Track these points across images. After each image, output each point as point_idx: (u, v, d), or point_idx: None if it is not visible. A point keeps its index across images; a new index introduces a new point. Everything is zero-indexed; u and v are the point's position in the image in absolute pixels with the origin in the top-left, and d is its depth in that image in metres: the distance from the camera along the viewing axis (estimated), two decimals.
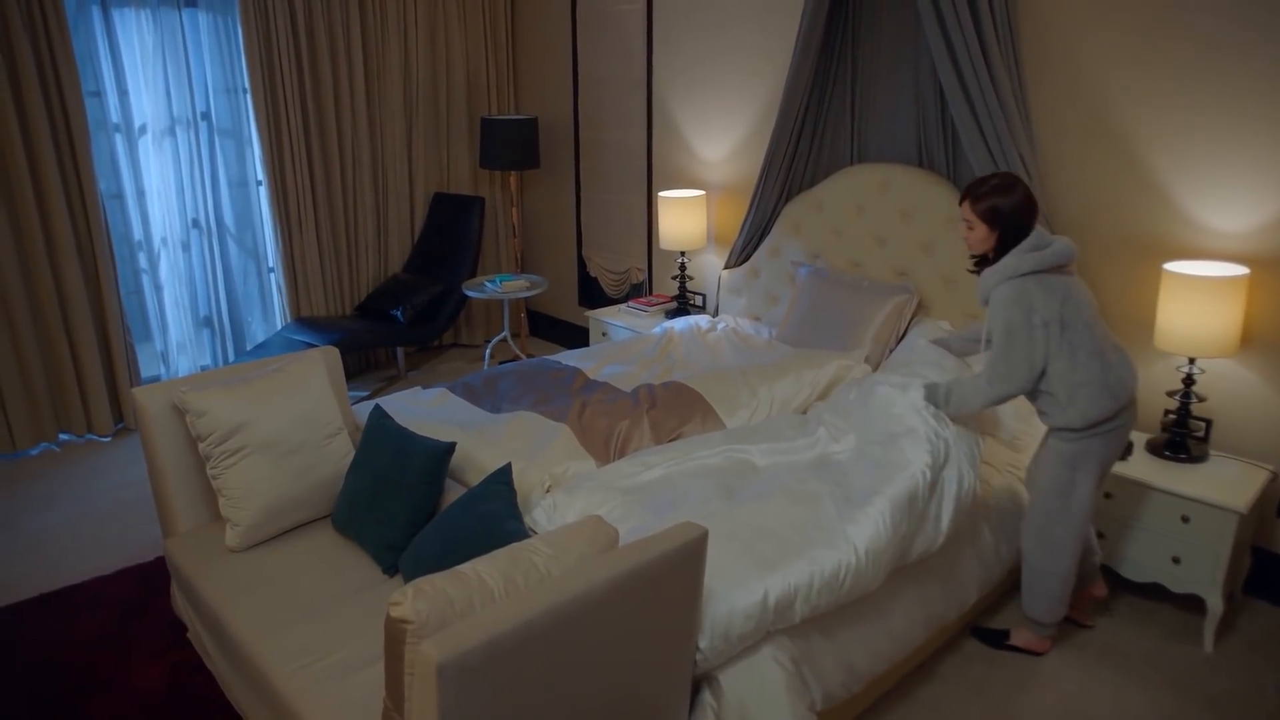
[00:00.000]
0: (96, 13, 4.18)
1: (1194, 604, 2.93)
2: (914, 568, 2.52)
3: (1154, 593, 3.03)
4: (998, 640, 2.78)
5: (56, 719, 2.49)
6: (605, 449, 2.87)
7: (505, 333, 5.24)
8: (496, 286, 4.90)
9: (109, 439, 4.40)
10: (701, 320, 4.12)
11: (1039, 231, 2.44)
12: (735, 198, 4.47)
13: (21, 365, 4.15)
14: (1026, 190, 2.43)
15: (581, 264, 5.53)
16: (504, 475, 2.30)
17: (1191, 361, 2.87)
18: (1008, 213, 2.42)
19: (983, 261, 2.56)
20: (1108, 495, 2.88)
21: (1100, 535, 2.91)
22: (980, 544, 2.76)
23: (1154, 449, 2.94)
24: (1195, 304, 2.71)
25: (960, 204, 2.51)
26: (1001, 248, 2.46)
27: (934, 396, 2.60)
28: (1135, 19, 2.93)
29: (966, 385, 2.53)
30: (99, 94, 4.27)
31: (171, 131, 4.49)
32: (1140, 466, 2.86)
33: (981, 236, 2.47)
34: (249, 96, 4.61)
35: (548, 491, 2.63)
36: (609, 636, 1.72)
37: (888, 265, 3.70)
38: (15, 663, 2.73)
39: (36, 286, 4.12)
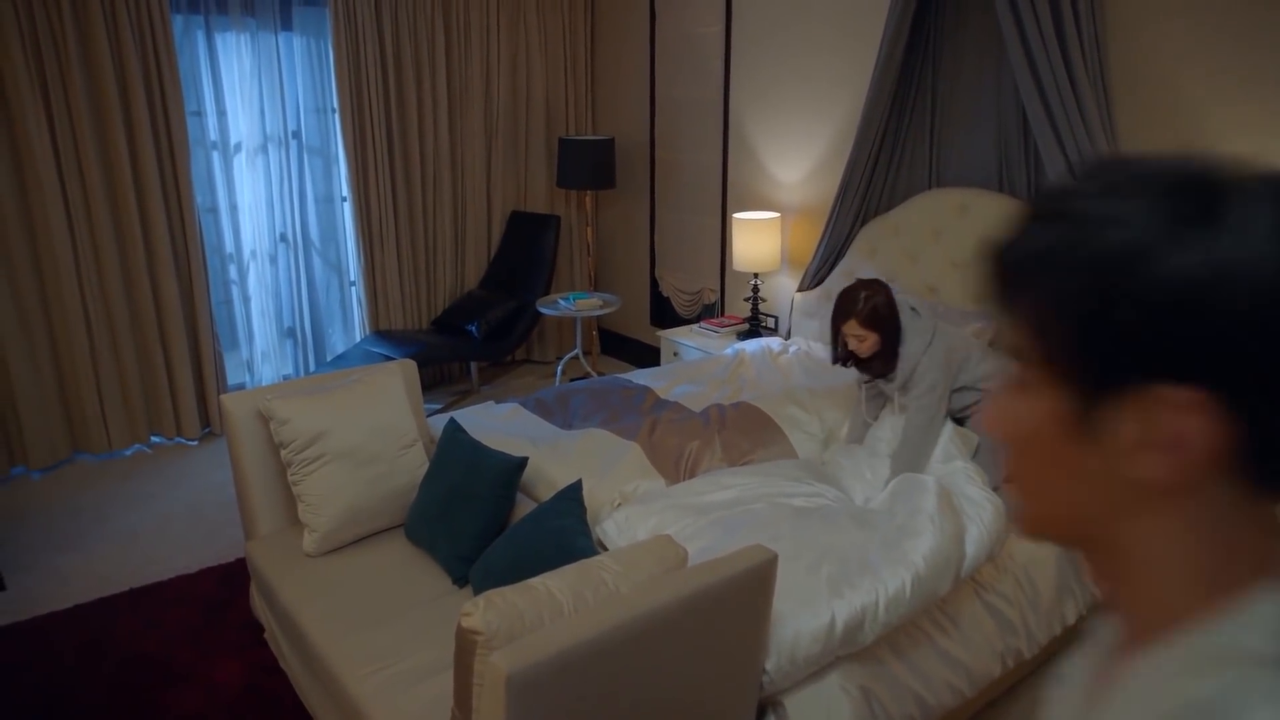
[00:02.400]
0: (200, 36, 4.40)
1: None
2: (995, 598, 2.46)
3: None
4: None
5: (141, 708, 2.60)
6: (675, 468, 2.87)
7: (577, 350, 5.29)
8: (570, 304, 4.95)
9: (196, 442, 4.58)
10: (773, 343, 4.10)
11: (901, 306, 2.73)
12: (810, 220, 4.44)
13: (120, 369, 4.36)
14: (879, 282, 2.73)
15: (654, 283, 5.56)
16: (574, 492, 2.32)
17: None
18: (885, 308, 2.68)
19: (866, 364, 2.79)
20: None
21: None
22: (1069, 571, 2.68)
23: None
24: None
25: (843, 325, 2.71)
26: (890, 338, 2.70)
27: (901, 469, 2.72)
28: (1232, 38, 2.83)
29: (911, 447, 2.69)
30: (199, 113, 4.48)
31: (264, 149, 4.68)
32: None
33: (873, 341, 2.69)
34: (337, 116, 4.78)
35: (617, 508, 2.64)
36: (676, 656, 1.72)
37: (965, 290, 3.63)
38: (105, 653, 2.85)
39: (136, 295, 4.33)
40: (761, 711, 2.04)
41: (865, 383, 2.94)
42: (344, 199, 5.00)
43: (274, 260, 4.85)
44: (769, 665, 1.97)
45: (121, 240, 4.26)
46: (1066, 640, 2.83)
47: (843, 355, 2.81)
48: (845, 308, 2.69)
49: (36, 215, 4.04)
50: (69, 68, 3.95)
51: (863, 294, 2.67)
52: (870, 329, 2.67)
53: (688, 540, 2.37)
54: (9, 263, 4.02)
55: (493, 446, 2.88)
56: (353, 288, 5.17)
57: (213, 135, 4.53)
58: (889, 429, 2.85)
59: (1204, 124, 2.94)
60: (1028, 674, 2.71)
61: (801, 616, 2.03)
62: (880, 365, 2.76)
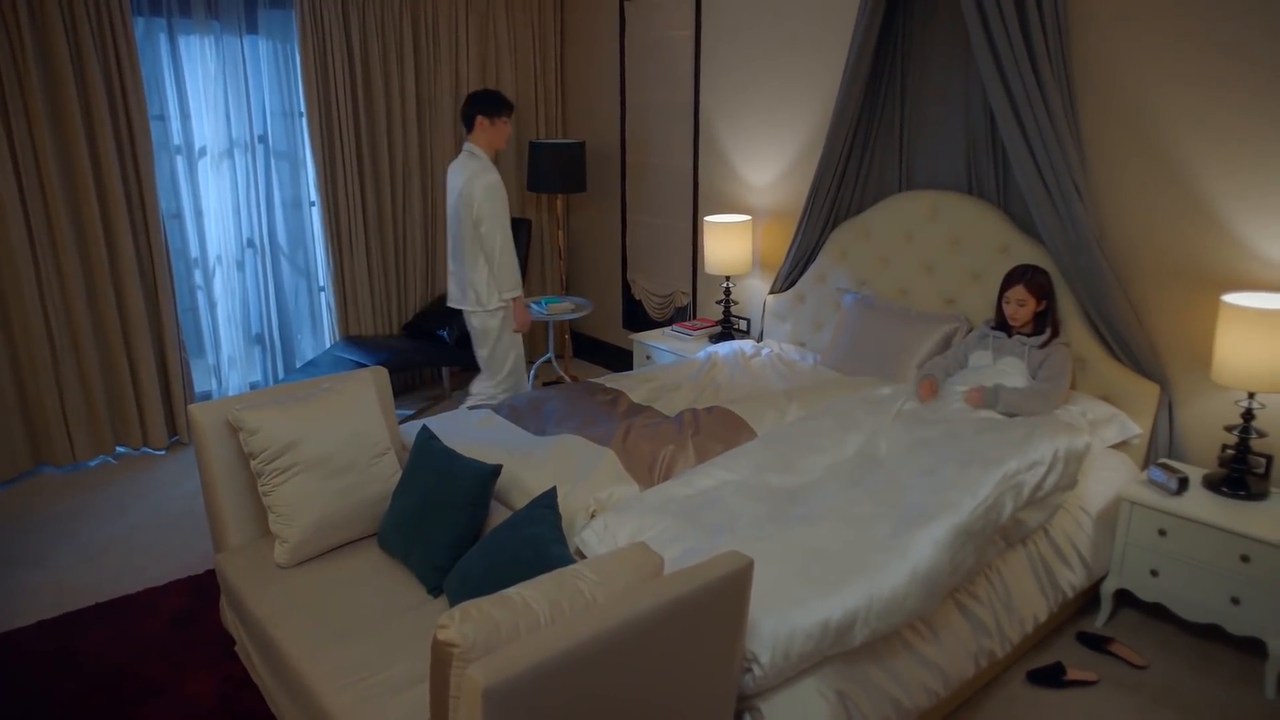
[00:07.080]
0: (163, 39, 4.33)
1: (1254, 647, 2.84)
2: (967, 600, 2.49)
3: (1212, 634, 2.94)
4: (1055, 678, 2.71)
5: None
6: (649, 473, 2.87)
7: (550, 354, 5.28)
8: (542, 308, 4.93)
9: (163, 452, 4.50)
10: (746, 345, 4.11)
11: None
12: (781, 223, 4.46)
13: (83, 379, 4.27)
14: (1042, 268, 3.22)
15: (626, 287, 5.56)
16: (549, 499, 2.31)
17: (1251, 396, 2.80)
18: (1047, 282, 3.16)
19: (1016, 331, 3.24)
20: (1162, 533, 2.81)
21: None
22: (1040, 570, 2.72)
23: (1212, 485, 2.87)
24: (1256, 337, 2.64)
25: (1010, 290, 3.16)
26: (1046, 308, 3.18)
27: (990, 400, 3.09)
28: (1192, 42, 2.89)
29: (1024, 395, 3.07)
30: (163, 117, 4.41)
31: (230, 154, 4.62)
32: (1197, 503, 2.79)
33: (1031, 308, 3.15)
34: (304, 120, 4.73)
35: (592, 516, 2.63)
36: (653, 663, 1.72)
37: (936, 293, 3.66)
38: (73, 668, 2.79)
39: (99, 302, 4.25)
40: (738, 716, 2.05)
41: (994, 329, 3.28)
42: (312, 203, 4.95)
43: (241, 266, 4.78)
44: (764, 660, 1.98)
45: (84, 246, 4.18)
46: (1038, 638, 2.87)
47: (998, 321, 3.26)
48: (1015, 275, 3.15)
49: None
50: (26, 71, 3.87)
51: (1030, 267, 3.15)
52: (1032, 294, 3.12)
53: (669, 543, 2.37)
54: None
55: (465, 454, 2.86)
56: (322, 293, 5.11)
57: (177, 140, 4.47)
58: (1012, 368, 3.17)
59: (1163, 121, 2.99)
60: (1000, 672, 2.74)
61: (793, 614, 2.05)
62: (1029, 331, 3.21)
